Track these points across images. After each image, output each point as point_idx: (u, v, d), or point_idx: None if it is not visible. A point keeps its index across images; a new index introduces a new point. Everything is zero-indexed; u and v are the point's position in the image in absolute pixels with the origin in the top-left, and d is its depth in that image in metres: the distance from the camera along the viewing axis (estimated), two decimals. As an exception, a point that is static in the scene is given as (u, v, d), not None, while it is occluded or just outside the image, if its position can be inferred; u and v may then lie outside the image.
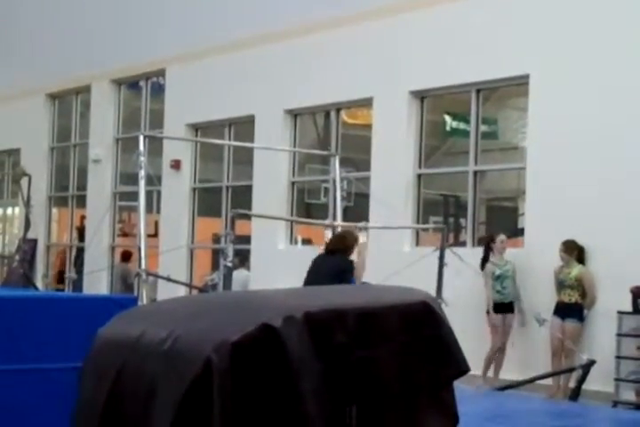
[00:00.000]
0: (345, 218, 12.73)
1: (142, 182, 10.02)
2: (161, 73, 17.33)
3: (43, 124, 20.31)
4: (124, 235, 18.68)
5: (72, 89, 19.56)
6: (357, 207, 14.09)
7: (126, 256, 17.28)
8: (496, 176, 13.85)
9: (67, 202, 20.12)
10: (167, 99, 17.03)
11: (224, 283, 9.33)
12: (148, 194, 12.54)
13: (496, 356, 10.97)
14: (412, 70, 12.76)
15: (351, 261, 9.63)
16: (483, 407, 5.85)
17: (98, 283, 17.47)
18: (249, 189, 15.13)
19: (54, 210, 20.69)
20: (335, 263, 9.44)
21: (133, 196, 13.75)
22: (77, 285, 18.30)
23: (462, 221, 13.59)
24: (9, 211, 22.27)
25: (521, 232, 12.00)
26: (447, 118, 13.96)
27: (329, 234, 10.81)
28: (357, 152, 14.72)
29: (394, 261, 11.00)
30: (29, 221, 17.85)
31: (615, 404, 9.93)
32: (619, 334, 10.16)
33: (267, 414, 2.84)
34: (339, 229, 11.18)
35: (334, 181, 12.70)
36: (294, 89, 14.38)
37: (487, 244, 11.31)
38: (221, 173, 16.10)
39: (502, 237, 11.25)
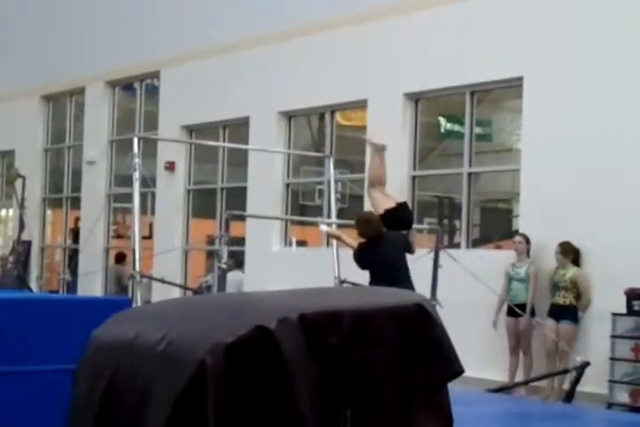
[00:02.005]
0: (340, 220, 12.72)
1: (137, 184, 10.01)
2: (155, 75, 17.32)
3: (37, 125, 20.29)
4: (119, 236, 18.66)
5: (66, 91, 19.53)
6: (352, 209, 14.08)
7: (120, 258, 17.27)
8: (490, 178, 13.86)
9: (61, 204, 20.09)
10: (161, 100, 17.02)
11: (219, 285, 9.32)
12: (143, 196, 12.54)
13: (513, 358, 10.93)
14: (407, 72, 12.77)
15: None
16: (477, 409, 5.85)
17: (92, 285, 17.45)
18: (243, 190, 15.13)
19: (48, 211, 20.67)
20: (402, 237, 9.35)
21: (128, 197, 13.71)
22: (72, 286, 18.27)
23: (457, 222, 13.60)
24: (3, 212, 22.23)
25: (515, 234, 11.99)
26: (441, 120, 13.97)
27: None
28: (352, 154, 14.71)
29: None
30: (23, 222, 17.82)
31: (609, 406, 9.93)
32: (613, 336, 10.16)
33: (261, 416, 2.84)
34: (334, 228, 11.14)
35: (329, 183, 12.70)
36: (289, 91, 14.38)
37: None
38: (216, 175, 16.09)
39: (517, 238, 11.14)
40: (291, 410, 2.85)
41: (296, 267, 13.39)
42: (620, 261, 10.14)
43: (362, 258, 9.06)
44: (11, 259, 18.65)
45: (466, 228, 12.47)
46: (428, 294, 9.82)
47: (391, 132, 12.93)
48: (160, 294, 13.86)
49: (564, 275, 10.50)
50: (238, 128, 15.68)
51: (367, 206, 12.89)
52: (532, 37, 11.36)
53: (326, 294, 3.68)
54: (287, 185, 14.78)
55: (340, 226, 11.51)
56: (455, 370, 3.30)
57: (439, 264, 10.54)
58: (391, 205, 9.26)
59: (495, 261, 11.25)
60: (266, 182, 14.65)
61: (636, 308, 9.97)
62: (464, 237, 12.47)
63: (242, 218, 13.52)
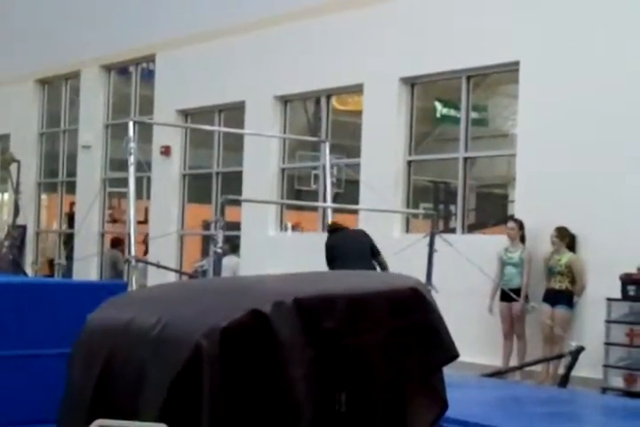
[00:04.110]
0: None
1: (132, 169, 10.00)
2: (151, 59, 17.27)
3: (32, 109, 20.24)
4: (114, 221, 18.66)
5: (62, 75, 19.48)
6: (347, 194, 14.08)
7: (116, 242, 17.25)
8: (486, 163, 13.85)
9: (56, 188, 20.07)
10: (157, 85, 16.98)
11: (214, 269, 9.33)
12: (138, 180, 12.53)
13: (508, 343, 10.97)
14: (403, 57, 12.74)
15: None
16: (471, 394, 5.85)
17: (87, 269, 17.46)
18: (239, 175, 15.11)
19: (44, 196, 20.65)
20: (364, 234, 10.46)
21: (123, 182, 13.71)
22: (67, 271, 18.27)
23: (452, 207, 13.60)
24: (-2, 197, 22.22)
25: (510, 219, 11.99)
26: (437, 105, 13.95)
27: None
28: (348, 139, 14.70)
29: (384, 247, 10.99)
30: (18, 207, 17.81)
31: (604, 390, 9.97)
32: (608, 321, 10.20)
33: (256, 400, 2.84)
34: (329, 214, 11.28)
35: (324, 168, 12.69)
36: (284, 75, 14.34)
37: None
38: (211, 160, 16.07)
39: (509, 223, 11.20)
40: (285, 393, 2.85)
41: (291, 251, 13.40)
42: (616, 246, 10.16)
43: (327, 252, 10.27)
44: (6, 243, 18.63)
45: (461, 213, 12.49)
46: (423, 279, 9.82)
47: (387, 116, 12.94)
48: (155, 278, 13.87)
49: (560, 260, 10.52)
50: (234, 113, 15.64)
51: (362, 191, 12.91)
52: (529, 22, 11.33)
53: (321, 278, 3.68)
54: (283, 170, 14.77)
55: (335, 211, 11.54)
56: (450, 354, 3.30)
57: (434, 249, 10.54)
58: None
59: (491, 245, 11.26)
60: (261, 167, 14.63)
61: (630, 293, 10.00)
62: (459, 222, 12.48)
63: (237, 202, 13.52)
